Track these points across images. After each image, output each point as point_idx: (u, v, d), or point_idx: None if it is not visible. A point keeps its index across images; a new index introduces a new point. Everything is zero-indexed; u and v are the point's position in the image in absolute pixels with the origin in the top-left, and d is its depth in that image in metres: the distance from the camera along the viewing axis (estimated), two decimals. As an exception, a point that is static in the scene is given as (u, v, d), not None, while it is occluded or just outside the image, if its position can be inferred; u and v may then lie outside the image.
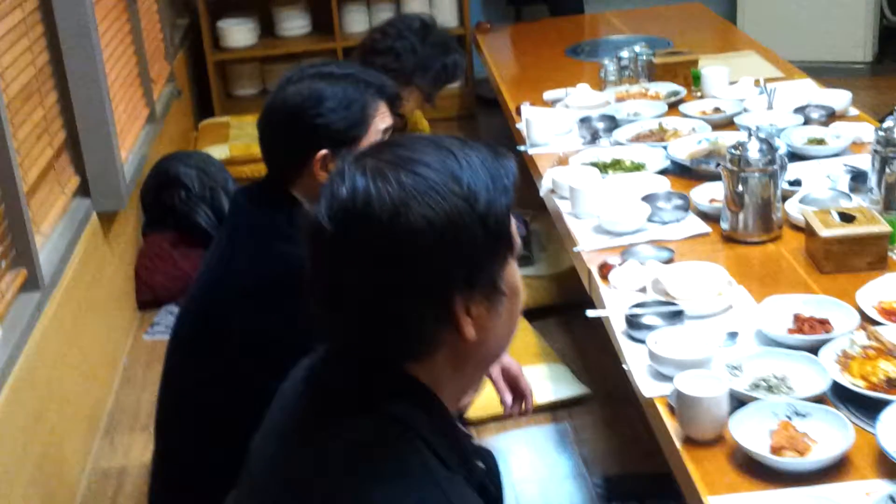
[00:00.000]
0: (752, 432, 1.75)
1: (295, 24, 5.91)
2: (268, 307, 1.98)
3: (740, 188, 2.43)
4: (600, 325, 2.27)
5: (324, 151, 2.04)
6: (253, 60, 6.03)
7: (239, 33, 5.87)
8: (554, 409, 3.13)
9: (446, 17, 5.60)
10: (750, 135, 2.47)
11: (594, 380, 3.26)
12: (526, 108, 3.55)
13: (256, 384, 2.01)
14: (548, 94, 3.71)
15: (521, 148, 3.32)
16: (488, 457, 1.33)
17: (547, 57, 4.43)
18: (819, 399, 1.82)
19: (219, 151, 4.93)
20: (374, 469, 1.15)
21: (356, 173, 1.18)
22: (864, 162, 2.77)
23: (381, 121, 2.10)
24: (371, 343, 1.20)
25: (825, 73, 3.73)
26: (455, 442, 1.23)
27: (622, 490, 2.71)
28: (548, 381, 3.18)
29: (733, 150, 2.46)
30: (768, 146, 2.46)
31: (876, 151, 2.48)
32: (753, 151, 2.43)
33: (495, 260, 1.21)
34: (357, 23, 5.73)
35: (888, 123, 2.47)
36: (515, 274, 1.26)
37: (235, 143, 5.13)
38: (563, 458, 2.90)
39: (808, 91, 3.48)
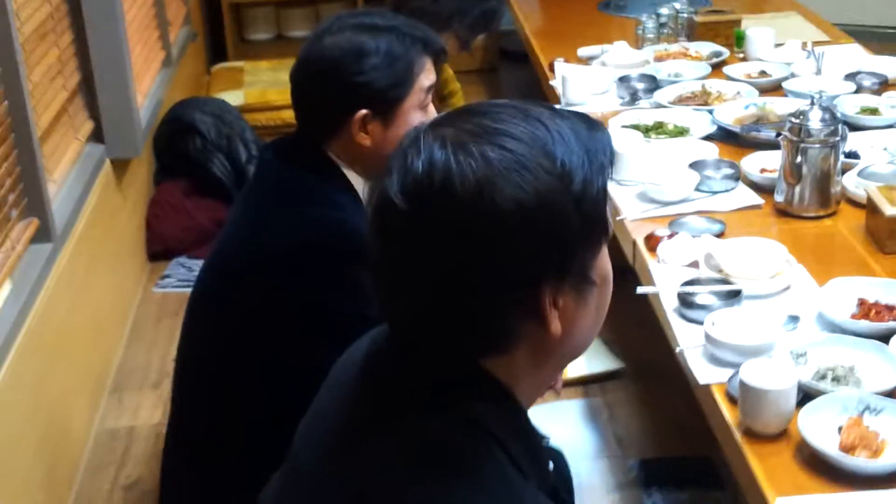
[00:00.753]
0: (820, 428, 1.63)
1: (314, -34, 5.73)
2: (300, 271, 1.87)
3: (799, 159, 2.30)
4: (635, 296, 2.12)
5: (364, 111, 1.89)
6: (268, 4, 5.85)
7: (254, -26, 5.70)
8: (586, 384, 3.01)
9: (472, -35, 5.40)
10: (812, 102, 2.32)
11: (628, 354, 3.14)
12: (560, 65, 3.41)
13: (281, 354, 1.91)
14: (582, 51, 3.56)
15: (556, 107, 3.17)
16: (559, 458, 1.22)
17: (578, 11, 4.27)
18: (890, 393, 1.71)
19: (233, 98, 4.79)
20: (445, 474, 1.03)
21: (433, 144, 1.04)
22: (922, 134, 2.65)
23: (426, 78, 1.94)
24: (447, 334, 1.07)
25: (867, 38, 3.58)
26: (529, 444, 1.11)
27: (660, 474, 2.59)
28: (580, 354, 3.07)
29: (794, 119, 2.32)
30: (831, 115, 2.32)
31: (945, 125, 2.34)
32: (815, 121, 2.30)
33: (588, 246, 1.08)
34: (379, -33, 5.55)
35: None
36: (607, 261, 1.13)
37: (250, 89, 4.98)
38: (595, 435, 2.79)
39: (858, 57, 3.34)
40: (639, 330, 2.89)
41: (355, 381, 1.16)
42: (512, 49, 5.62)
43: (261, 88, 4.92)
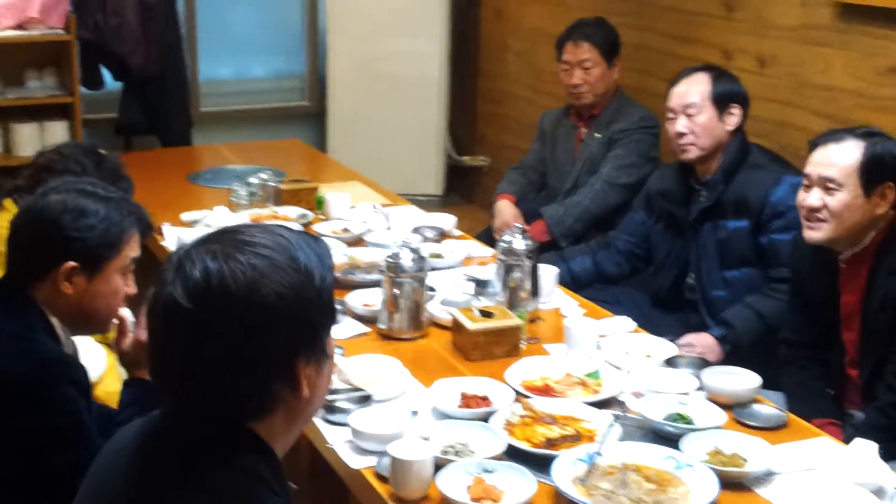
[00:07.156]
0: (454, 489, 1.98)
1: None
2: (30, 404, 1.90)
3: (397, 292, 2.71)
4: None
5: (72, 263, 2.02)
6: None
7: None
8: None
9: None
10: (403, 246, 2.76)
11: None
12: (168, 228, 3.63)
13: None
14: (186, 216, 3.80)
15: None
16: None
17: (170, 183, 4.50)
18: (498, 458, 2.10)
19: None
20: None
21: (205, 257, 1.29)
22: (479, 272, 3.18)
23: (132, 249, 2.10)
24: (224, 405, 1.30)
25: (417, 203, 4.16)
26: (286, 490, 1.35)
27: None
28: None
29: (390, 259, 2.74)
30: (418, 255, 2.76)
31: (501, 260, 2.86)
32: (407, 260, 2.72)
33: (326, 327, 1.37)
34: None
35: (508, 237, 2.87)
36: (332, 339, 1.41)
37: None
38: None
39: (416, 215, 3.87)
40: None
41: (134, 455, 1.33)
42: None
43: None
